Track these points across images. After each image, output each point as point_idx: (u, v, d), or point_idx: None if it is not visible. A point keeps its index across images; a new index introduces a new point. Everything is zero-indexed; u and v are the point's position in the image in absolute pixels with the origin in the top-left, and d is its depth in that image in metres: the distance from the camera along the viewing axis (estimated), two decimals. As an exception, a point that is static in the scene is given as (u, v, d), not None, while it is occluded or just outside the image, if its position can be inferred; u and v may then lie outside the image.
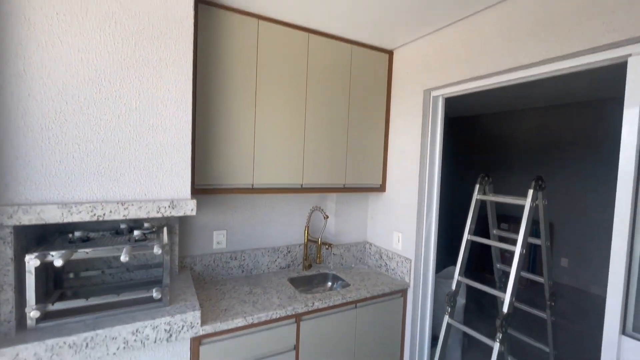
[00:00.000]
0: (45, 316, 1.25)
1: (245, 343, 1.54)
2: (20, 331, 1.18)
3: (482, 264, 4.65)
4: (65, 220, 1.19)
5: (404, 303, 2.09)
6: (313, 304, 1.71)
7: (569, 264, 4.38)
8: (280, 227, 2.23)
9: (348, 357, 1.88)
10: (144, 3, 1.31)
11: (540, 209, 1.86)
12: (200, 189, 1.66)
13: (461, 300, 2.47)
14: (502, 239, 2.01)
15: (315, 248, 2.34)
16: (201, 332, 1.41)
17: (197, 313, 1.39)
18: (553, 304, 2.05)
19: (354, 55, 2.07)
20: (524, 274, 2.08)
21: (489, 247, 2.29)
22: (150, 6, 1.32)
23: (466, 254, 2.01)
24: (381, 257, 2.32)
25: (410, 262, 2.07)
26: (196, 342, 1.43)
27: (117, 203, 1.28)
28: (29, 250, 1.19)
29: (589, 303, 3.89)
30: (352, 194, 2.43)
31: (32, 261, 1.15)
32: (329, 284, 2.24)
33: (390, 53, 2.22)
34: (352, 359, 1.90)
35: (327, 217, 2.12)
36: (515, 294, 1.72)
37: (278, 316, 1.60)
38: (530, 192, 1.75)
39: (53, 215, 1.17)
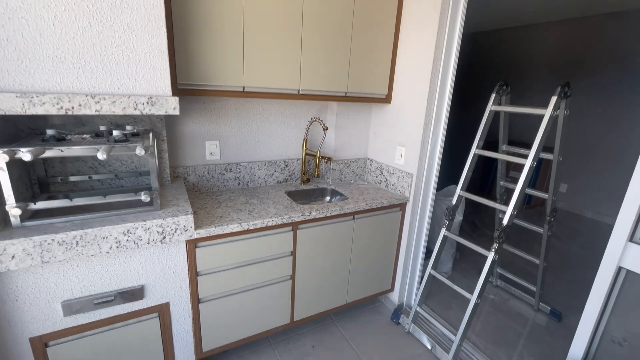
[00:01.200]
0: (30, 216, 1.20)
1: (242, 248, 1.55)
2: (6, 229, 1.14)
3: (482, 187, 4.67)
4: (28, 112, 1.05)
5: (402, 217, 2.08)
6: (310, 213, 1.68)
7: (568, 189, 4.38)
8: (277, 140, 2.10)
9: (344, 265, 1.94)
10: None
11: (560, 119, 1.71)
12: (184, 89, 1.48)
13: (458, 217, 2.48)
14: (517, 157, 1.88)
15: (313, 163, 2.25)
16: (195, 236, 1.39)
17: (190, 217, 1.35)
18: (552, 219, 2.03)
19: None
20: (529, 191, 2.03)
21: (491, 170, 2.21)
22: None
23: (471, 169, 1.92)
24: (382, 172, 2.25)
25: (412, 177, 1.99)
26: (192, 245, 1.42)
27: (87, 95, 1.12)
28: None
29: (582, 226, 4.00)
30: (354, 105, 2.24)
31: (0, 156, 1.04)
32: (327, 198, 2.21)
33: None
34: (348, 266, 1.96)
35: (327, 128, 1.97)
36: (518, 208, 1.67)
37: (274, 223, 1.58)
38: (554, 99, 1.57)
39: (12, 106, 1.02)
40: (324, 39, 1.75)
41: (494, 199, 1.92)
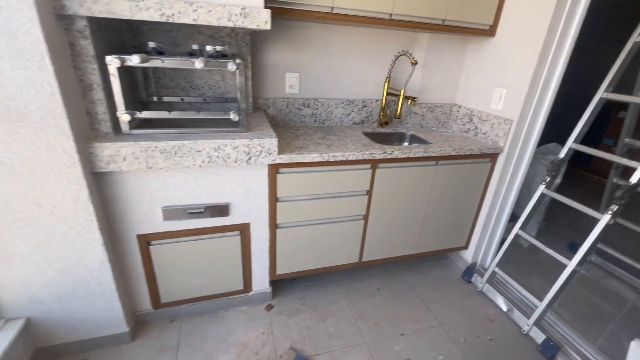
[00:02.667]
0: (136, 125, 1.30)
1: (320, 180, 1.52)
2: (118, 134, 1.25)
3: (587, 143, 4.00)
4: (135, 17, 1.07)
5: (492, 168, 1.86)
6: (392, 152, 1.57)
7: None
8: (357, 77, 1.96)
9: (420, 213, 1.83)
10: None
11: None
12: (273, 7, 1.40)
13: (557, 180, 2.15)
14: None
15: (393, 105, 2.08)
16: (278, 160, 1.39)
17: (275, 140, 1.34)
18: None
19: None
20: (667, 149, 1.62)
21: (597, 129, 1.79)
22: None
23: (592, 118, 1.59)
24: (471, 120, 2.00)
25: (511, 124, 1.73)
26: (274, 170, 1.43)
27: (186, 3, 1.11)
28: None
29: None
30: (448, 41, 1.96)
31: (113, 62, 1.10)
32: (406, 144, 2.06)
33: None
34: (424, 215, 1.85)
35: (416, 63, 1.76)
36: (655, 165, 1.35)
37: (354, 158, 1.51)
38: None
39: (121, 9, 1.05)
40: (428, -50, 1.49)
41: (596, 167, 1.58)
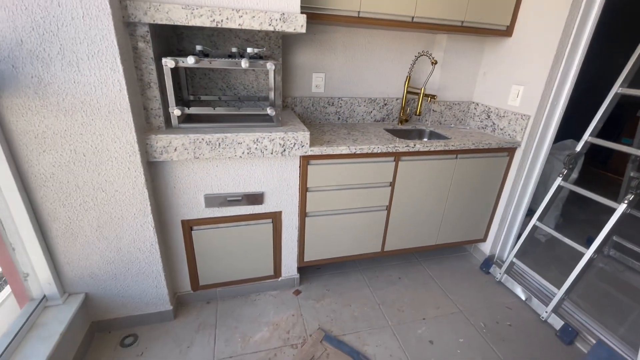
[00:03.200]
0: (183, 119, 1.44)
1: (347, 171, 1.64)
2: (168, 128, 1.39)
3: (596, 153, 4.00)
4: (190, 23, 1.21)
5: (509, 163, 1.94)
6: (414, 145, 1.67)
7: None
8: (379, 76, 2.08)
9: (440, 205, 1.92)
10: None
11: None
12: (305, 13, 1.52)
13: (573, 175, 2.20)
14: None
15: (412, 103, 2.18)
16: (310, 152, 1.51)
17: (307, 134, 1.46)
18: None
19: None
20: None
21: (613, 128, 1.85)
22: None
23: (608, 112, 1.66)
24: (489, 116, 2.08)
25: (528, 119, 1.81)
26: (305, 161, 1.55)
27: (233, 10, 1.24)
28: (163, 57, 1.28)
29: None
30: (466, 42, 2.06)
31: (168, 62, 1.25)
32: (425, 139, 2.15)
33: None
34: (444, 207, 1.94)
35: (435, 62, 1.86)
36: (671, 155, 1.41)
37: (379, 151, 1.62)
38: None
39: (179, 16, 1.19)
40: (448, -44, 1.60)
41: (613, 166, 1.64)
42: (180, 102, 1.64)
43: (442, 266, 2.14)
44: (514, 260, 1.94)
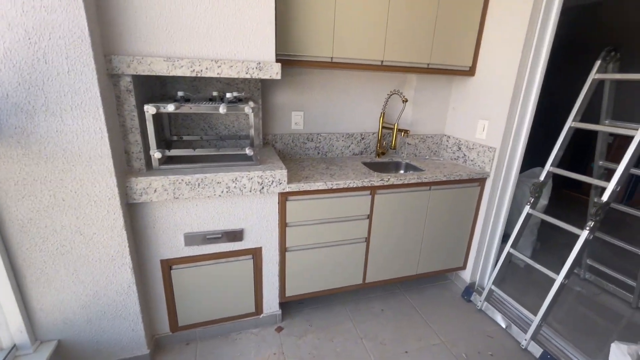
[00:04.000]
0: (164, 161, 1.49)
1: (325, 206, 1.69)
2: (149, 170, 1.43)
3: (573, 170, 4.19)
4: (171, 73, 1.30)
5: (481, 192, 2.03)
6: (389, 179, 1.75)
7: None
8: (356, 113, 2.20)
9: (417, 235, 1.98)
10: None
11: (686, 85, 1.49)
12: (281, 60, 1.64)
13: (543, 201, 2.32)
14: (614, 134, 1.71)
15: (388, 136, 2.30)
16: (287, 189, 1.57)
17: (284, 172, 1.53)
18: (665, 204, 1.79)
19: None
20: (635, 171, 1.81)
21: (583, 152, 2.01)
22: None
23: (564, 144, 1.79)
24: (459, 148, 2.20)
25: (494, 151, 1.93)
26: (283, 197, 1.61)
27: (212, 61, 1.34)
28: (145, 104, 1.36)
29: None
30: (434, 80, 2.22)
31: (150, 109, 1.32)
32: (402, 171, 2.25)
33: None
34: (421, 237, 1.99)
35: (406, 100, 2.00)
36: (621, 184, 1.53)
37: (355, 185, 1.69)
38: (680, 61, 1.38)
39: (160, 68, 1.28)
40: (410, 11, 1.77)
41: (586, 189, 1.76)
42: (163, 142, 1.70)
43: (424, 295, 2.15)
44: (493, 287, 1.98)
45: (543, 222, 2.56)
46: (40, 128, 1.12)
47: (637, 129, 1.48)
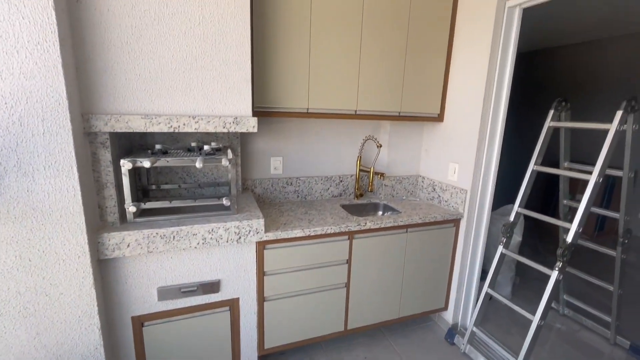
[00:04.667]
0: (139, 214, 1.48)
1: (303, 252, 1.69)
2: (123, 223, 1.42)
3: (543, 209, 4.36)
4: (148, 130, 1.33)
5: (456, 233, 2.09)
6: (365, 223, 1.78)
7: (649, 215, 3.91)
8: (333, 157, 2.27)
9: (397, 278, 1.99)
10: None
11: (628, 134, 1.65)
12: (259, 112, 1.72)
13: (517, 238, 2.39)
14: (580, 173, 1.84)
15: (366, 178, 2.37)
16: (265, 238, 1.57)
17: (261, 221, 1.54)
18: (626, 241, 1.90)
19: (417, -36, 1.85)
20: (595, 210, 1.92)
21: (552, 190, 2.15)
22: None
23: (529, 186, 1.90)
24: (434, 189, 2.29)
25: (466, 193, 2.01)
26: (261, 246, 1.60)
27: (189, 117, 1.39)
28: (122, 158, 1.37)
29: (668, 256, 3.52)
30: (407, 125, 2.35)
31: (126, 164, 1.33)
32: (380, 212, 2.29)
33: (459, -41, 1.94)
34: (401, 280, 2.00)
35: (380, 146, 2.10)
36: (583, 225, 1.61)
37: (332, 231, 1.71)
38: (619, 113, 1.54)
39: (138, 125, 1.32)
40: (380, 64, 1.92)
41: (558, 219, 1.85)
42: (140, 191, 1.70)
43: (408, 339, 2.12)
44: (474, 329, 1.97)
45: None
46: (10, 189, 1.12)
47: (591, 172, 1.60)
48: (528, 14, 1.89)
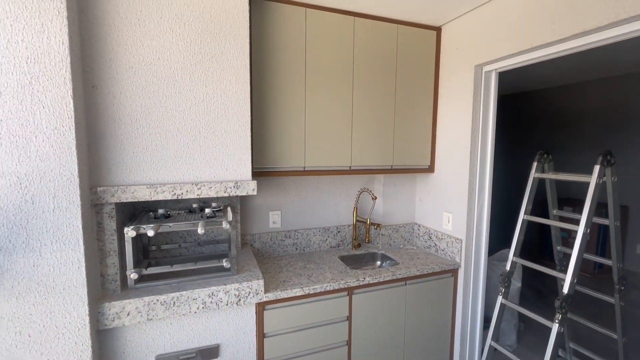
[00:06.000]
0: (140, 279, 1.50)
1: (303, 311, 1.69)
2: (124, 289, 1.43)
3: (541, 250, 4.38)
4: (153, 199, 1.40)
5: (455, 283, 2.09)
6: (364, 278, 1.80)
7: (647, 251, 3.94)
8: (330, 209, 2.34)
9: (399, 332, 1.96)
10: (205, 0, 1.45)
11: (608, 186, 1.74)
12: (258, 172, 1.81)
13: (516, 284, 2.39)
14: (563, 221, 1.91)
15: (363, 228, 2.42)
16: (264, 299, 1.58)
17: (261, 282, 1.56)
18: (623, 288, 1.91)
19: (400, 35, 2.06)
20: (588, 256, 1.96)
21: (548, 231, 2.20)
22: (211, 2, 1.46)
23: (522, 234, 1.95)
24: (430, 237, 2.33)
25: (461, 242, 2.06)
26: (260, 307, 1.60)
27: (192, 184, 1.47)
28: (125, 224, 1.42)
29: (670, 294, 3.49)
30: (400, 176, 2.44)
31: (130, 232, 1.38)
32: (378, 262, 2.31)
33: (438, 30, 2.16)
34: (403, 334, 1.97)
35: (375, 198, 2.17)
36: (577, 275, 1.64)
37: (332, 288, 1.72)
38: (597, 168, 1.64)
39: (143, 194, 1.39)
40: (371, 122, 2.05)
41: (554, 263, 1.88)
42: (141, 252, 1.72)
43: (414, 398, 2.03)
44: (481, 385, 1.91)
45: (522, 301, 2.60)
46: (16, 265, 1.15)
47: (579, 221, 1.66)
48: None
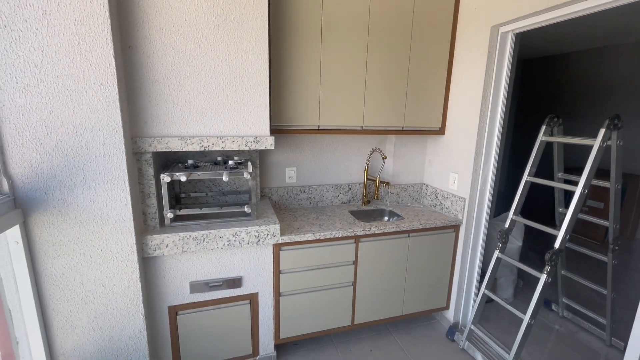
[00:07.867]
0: (175, 219, 1.74)
1: (314, 254, 1.92)
2: (162, 226, 1.68)
3: (553, 215, 4.42)
4: (184, 149, 1.59)
5: (456, 238, 2.25)
6: (370, 229, 1.99)
7: (661, 221, 3.91)
8: (343, 167, 2.49)
9: (400, 278, 2.18)
10: (227, -36, 1.53)
11: (613, 149, 1.78)
12: (275, 129, 1.96)
13: (517, 243, 2.53)
14: (568, 185, 1.98)
15: (373, 186, 2.57)
16: (280, 241, 1.80)
17: (278, 226, 1.77)
18: (616, 247, 2.02)
19: (417, -6, 2.05)
20: (582, 216, 2.05)
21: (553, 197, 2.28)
22: (232, -34, 1.53)
23: (523, 195, 2.05)
24: (436, 197, 2.46)
25: (465, 201, 2.18)
26: (277, 248, 1.84)
27: (217, 137, 1.64)
28: (161, 172, 1.64)
29: (678, 263, 3.53)
30: (411, 137, 2.53)
31: (165, 177, 1.59)
32: (386, 218, 2.49)
33: (458, -12, 2.12)
34: (404, 280, 2.19)
35: (385, 157, 2.29)
36: (570, 232, 1.76)
37: (340, 235, 1.92)
38: (602, 131, 1.69)
39: (175, 145, 1.58)
40: (384, 83, 2.12)
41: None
42: (174, 199, 1.96)
43: (411, 335, 2.30)
44: (473, 327, 2.13)
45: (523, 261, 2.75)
46: (77, 199, 1.39)
47: (577, 182, 1.74)
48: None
